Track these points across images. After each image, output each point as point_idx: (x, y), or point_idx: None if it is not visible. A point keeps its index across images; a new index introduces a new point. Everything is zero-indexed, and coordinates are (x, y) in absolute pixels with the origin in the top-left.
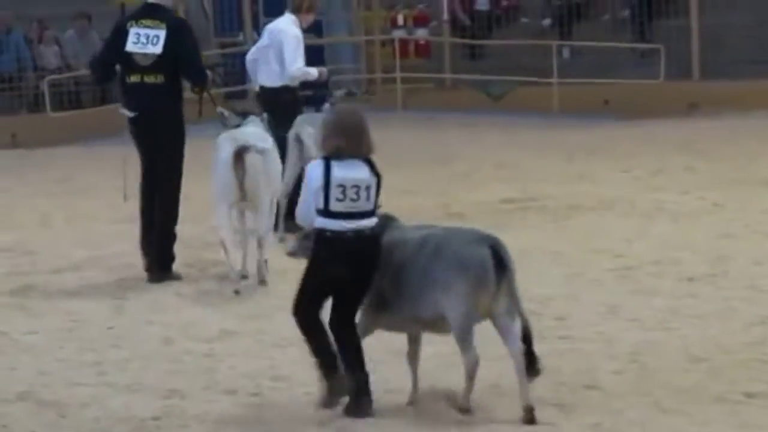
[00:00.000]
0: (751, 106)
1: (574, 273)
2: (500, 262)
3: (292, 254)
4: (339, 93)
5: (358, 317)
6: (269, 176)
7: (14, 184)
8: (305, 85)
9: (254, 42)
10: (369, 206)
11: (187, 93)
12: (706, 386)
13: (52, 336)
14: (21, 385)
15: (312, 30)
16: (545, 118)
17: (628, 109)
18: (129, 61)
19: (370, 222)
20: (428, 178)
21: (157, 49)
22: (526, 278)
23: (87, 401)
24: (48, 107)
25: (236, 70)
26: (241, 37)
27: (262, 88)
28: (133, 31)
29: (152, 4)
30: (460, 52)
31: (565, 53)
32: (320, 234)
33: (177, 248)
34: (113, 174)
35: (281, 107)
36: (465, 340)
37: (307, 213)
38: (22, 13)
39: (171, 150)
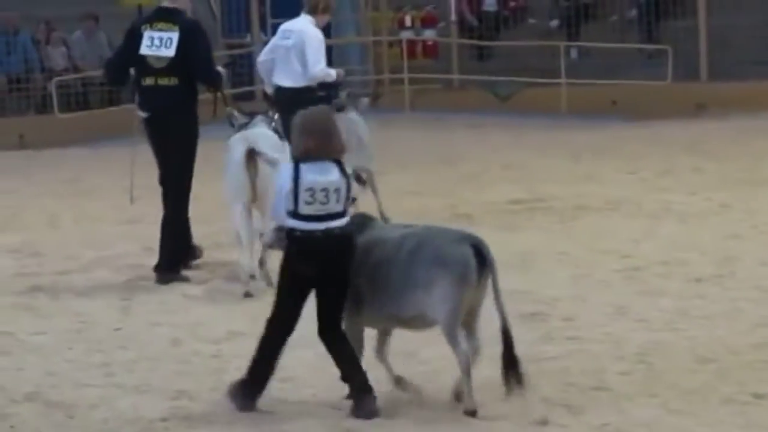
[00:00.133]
0: (759, 107)
1: (582, 274)
2: (482, 261)
3: (269, 246)
4: (342, 95)
5: (344, 320)
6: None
7: (22, 184)
8: (320, 85)
9: (264, 44)
10: (339, 208)
11: (203, 93)
12: (714, 387)
13: (59, 337)
14: (29, 386)
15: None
16: (553, 119)
17: (636, 110)
18: (143, 64)
19: (341, 222)
20: (435, 179)
21: (170, 52)
22: (533, 279)
23: (95, 402)
24: (56, 108)
25: (243, 71)
26: (248, 39)
27: (280, 88)
28: (147, 35)
29: (165, 8)
30: (467, 53)
31: (573, 54)
32: (290, 233)
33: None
34: (121, 175)
35: (303, 107)
36: (454, 337)
37: (279, 214)
38: (29, 14)
39: (182, 151)
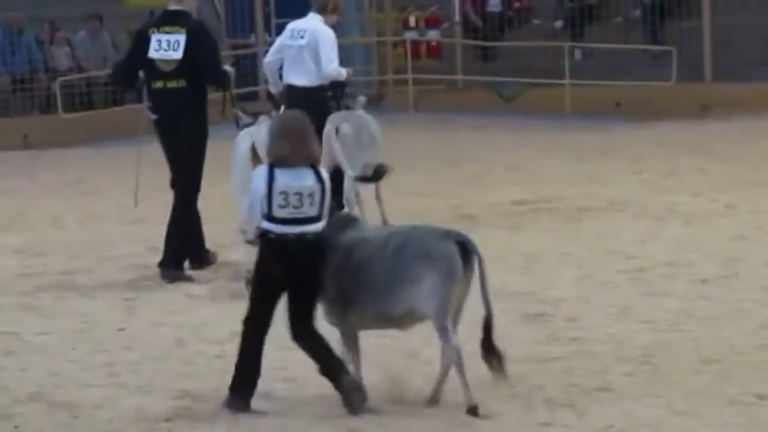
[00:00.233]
0: (763, 108)
1: (586, 274)
2: (466, 257)
3: (251, 242)
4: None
5: (336, 324)
6: None
7: (26, 185)
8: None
9: (268, 44)
10: (313, 212)
11: (212, 93)
12: (718, 388)
13: (63, 337)
14: (32, 386)
15: None
16: (557, 120)
17: (640, 111)
18: (152, 68)
19: (315, 227)
20: (439, 180)
21: (178, 54)
22: (537, 280)
23: (99, 402)
24: (60, 108)
25: (247, 71)
26: (252, 39)
27: (292, 87)
28: (155, 38)
29: (172, 11)
30: (471, 54)
31: (577, 55)
32: (264, 235)
33: None
34: (125, 175)
35: (316, 106)
36: (445, 332)
37: (252, 215)
38: (33, 14)
39: (192, 152)
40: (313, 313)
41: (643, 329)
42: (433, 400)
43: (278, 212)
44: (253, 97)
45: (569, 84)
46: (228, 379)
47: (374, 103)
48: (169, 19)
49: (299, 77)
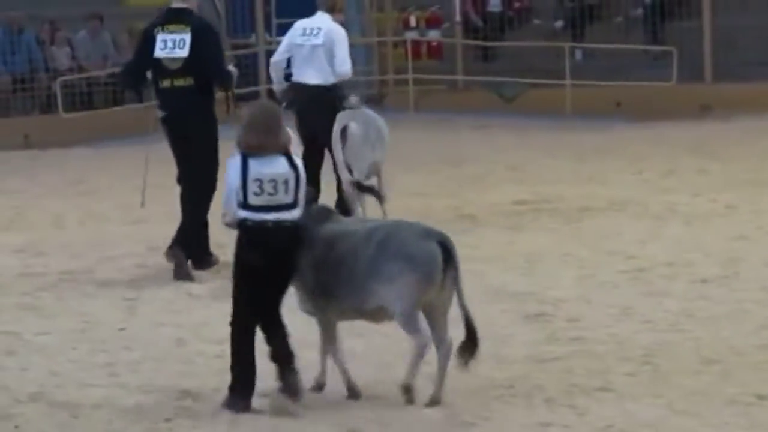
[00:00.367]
0: (764, 108)
1: (587, 275)
2: (447, 258)
3: (228, 225)
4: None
5: (312, 314)
6: None
7: (27, 185)
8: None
9: (269, 44)
10: (288, 199)
11: (218, 93)
12: (719, 388)
13: (64, 337)
14: (33, 386)
15: None
16: (557, 120)
17: (641, 111)
18: (159, 67)
19: (292, 214)
20: (440, 180)
21: (184, 53)
22: (538, 280)
23: (99, 402)
24: (60, 108)
25: (248, 71)
26: (253, 39)
27: (306, 86)
28: (160, 38)
29: (176, 9)
30: (472, 54)
31: (578, 55)
32: (242, 223)
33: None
34: (125, 175)
35: (328, 105)
36: (411, 326)
37: (229, 206)
38: (33, 14)
39: (203, 150)
40: (281, 301)
41: (644, 329)
42: (434, 400)
43: (253, 200)
44: (254, 97)
45: (570, 84)
46: (228, 378)
47: (374, 103)
48: (174, 18)
49: (312, 76)
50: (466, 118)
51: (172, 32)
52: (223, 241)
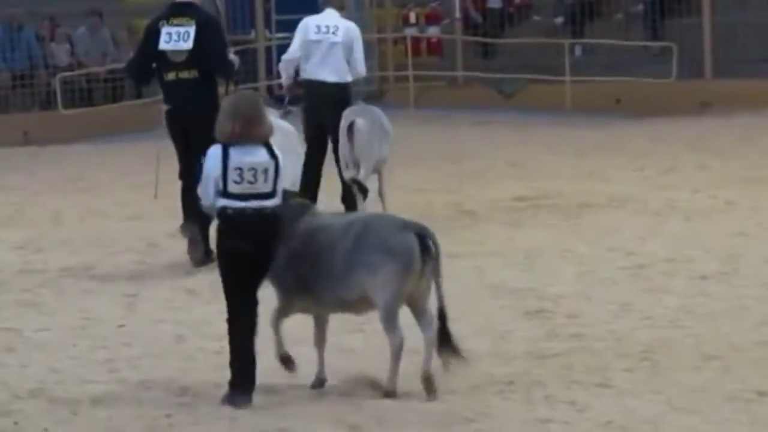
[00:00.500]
0: (764, 105)
1: (586, 271)
2: (425, 250)
3: (206, 210)
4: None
5: (278, 301)
6: (287, 162)
7: (26, 181)
8: None
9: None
10: (267, 188)
11: (221, 85)
12: (718, 384)
13: (64, 333)
14: (33, 382)
15: None
16: (557, 116)
17: (640, 108)
18: (163, 60)
19: (271, 202)
20: (440, 176)
21: (188, 45)
22: (538, 276)
23: (99, 398)
24: (60, 105)
25: (247, 68)
26: (252, 35)
27: (323, 84)
28: (165, 31)
29: (181, 3)
30: (472, 50)
31: (578, 51)
32: (222, 212)
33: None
34: (125, 171)
35: (344, 102)
36: (390, 323)
37: (207, 194)
38: (33, 10)
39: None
40: (257, 290)
41: (643, 326)
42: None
43: (233, 188)
44: None
45: (569, 80)
46: (228, 374)
47: (375, 100)
48: (178, 11)
49: (330, 73)
50: (466, 114)
51: (176, 25)
52: None
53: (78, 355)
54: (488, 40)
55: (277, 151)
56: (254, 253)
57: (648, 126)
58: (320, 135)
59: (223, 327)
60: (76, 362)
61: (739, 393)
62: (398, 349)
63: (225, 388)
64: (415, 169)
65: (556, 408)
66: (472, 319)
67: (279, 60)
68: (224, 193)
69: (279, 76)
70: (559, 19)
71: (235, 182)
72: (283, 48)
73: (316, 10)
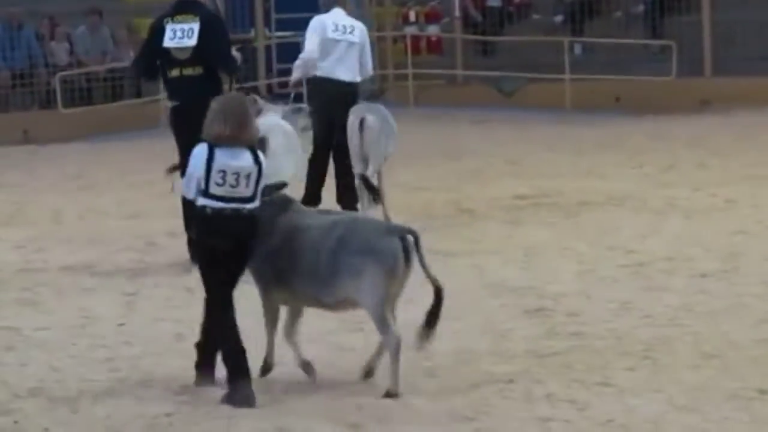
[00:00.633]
0: (764, 103)
1: (586, 269)
2: (407, 254)
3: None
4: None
5: (260, 297)
6: (286, 163)
7: (26, 180)
8: None
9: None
10: (248, 193)
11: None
12: (719, 383)
13: (63, 332)
14: (32, 381)
15: None
16: (557, 115)
17: (640, 106)
18: (168, 57)
19: (250, 206)
20: (440, 174)
21: (192, 42)
22: (537, 274)
23: (99, 397)
24: (59, 103)
25: (247, 66)
26: (252, 34)
27: (341, 82)
28: (169, 28)
29: (185, 1)
30: (471, 49)
31: (577, 50)
32: (201, 210)
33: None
34: (125, 170)
35: (354, 101)
36: (383, 324)
37: (188, 190)
38: (33, 9)
39: None
40: (234, 287)
41: (643, 324)
42: (368, 373)
43: (214, 189)
44: (254, 91)
45: (569, 79)
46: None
47: (375, 98)
48: (183, 9)
49: (347, 72)
50: (466, 112)
51: (180, 22)
52: None
53: (78, 354)
54: (488, 38)
55: (261, 157)
56: (232, 251)
57: (648, 124)
58: (329, 133)
59: None
60: (75, 361)
61: (739, 391)
62: (396, 350)
63: (223, 387)
64: (415, 168)
65: (556, 406)
66: (471, 317)
67: (278, 59)
68: (205, 193)
69: (278, 75)
70: (559, 18)
71: (217, 184)
72: (283, 47)
73: (315, 8)
